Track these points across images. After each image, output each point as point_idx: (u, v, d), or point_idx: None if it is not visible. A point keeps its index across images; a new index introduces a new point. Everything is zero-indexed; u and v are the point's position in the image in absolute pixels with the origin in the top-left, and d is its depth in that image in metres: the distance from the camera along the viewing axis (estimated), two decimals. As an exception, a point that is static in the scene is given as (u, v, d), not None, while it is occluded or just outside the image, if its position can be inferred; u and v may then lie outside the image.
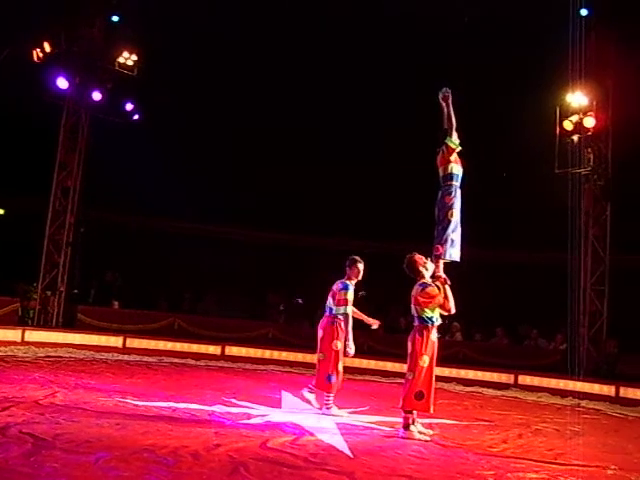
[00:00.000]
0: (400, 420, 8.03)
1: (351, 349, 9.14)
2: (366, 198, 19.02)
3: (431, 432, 8.02)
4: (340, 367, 9.20)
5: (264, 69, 19.38)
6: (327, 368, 9.15)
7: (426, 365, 7.81)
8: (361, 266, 9.45)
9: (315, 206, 19.13)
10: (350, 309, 9.32)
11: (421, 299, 7.88)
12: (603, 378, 14.77)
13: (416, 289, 8.01)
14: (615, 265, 15.87)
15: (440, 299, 7.88)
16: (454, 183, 8.23)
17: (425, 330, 7.88)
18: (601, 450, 8.16)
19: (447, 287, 7.97)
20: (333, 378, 9.11)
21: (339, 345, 9.14)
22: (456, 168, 8.29)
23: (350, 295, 9.33)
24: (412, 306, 8.04)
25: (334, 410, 9.15)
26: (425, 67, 17.52)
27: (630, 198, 15.85)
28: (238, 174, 19.26)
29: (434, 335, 7.96)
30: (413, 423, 7.86)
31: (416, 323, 8.00)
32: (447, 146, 8.27)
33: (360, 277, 9.48)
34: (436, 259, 8.12)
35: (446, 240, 8.05)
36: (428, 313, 7.90)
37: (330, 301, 9.38)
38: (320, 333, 9.33)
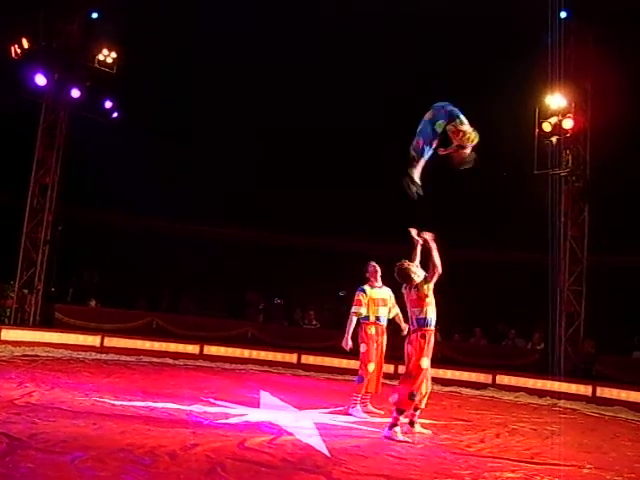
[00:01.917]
0: (379, 420, 8.06)
1: (347, 344, 9.40)
2: (347, 199, 19.06)
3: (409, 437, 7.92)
4: (370, 368, 9.43)
5: (246, 66, 19.26)
6: (358, 370, 9.57)
7: (425, 367, 7.85)
8: (373, 265, 9.72)
9: (294, 205, 19.10)
10: (357, 309, 9.51)
11: (417, 296, 7.95)
12: (580, 378, 14.86)
13: (411, 292, 8.04)
14: (593, 266, 15.99)
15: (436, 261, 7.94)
16: None
17: (427, 333, 7.90)
18: (577, 449, 8.22)
19: (434, 245, 8.02)
20: (361, 379, 9.45)
21: (363, 347, 9.48)
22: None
23: (362, 297, 9.55)
24: (411, 309, 8.05)
25: (357, 411, 9.32)
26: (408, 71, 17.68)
27: (608, 200, 15.98)
28: (217, 173, 19.18)
29: (433, 339, 7.99)
30: (397, 424, 7.86)
31: (415, 326, 8.00)
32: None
33: (379, 277, 9.68)
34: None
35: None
36: (428, 313, 7.93)
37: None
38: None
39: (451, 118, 7.88)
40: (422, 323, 7.93)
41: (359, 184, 18.71)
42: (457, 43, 17.58)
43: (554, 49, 14.57)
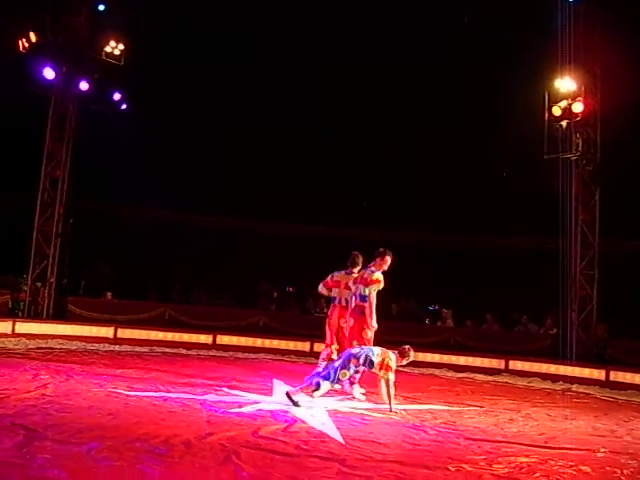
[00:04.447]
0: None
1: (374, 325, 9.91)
2: (356, 187, 19.04)
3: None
4: None
5: (253, 60, 19.23)
6: None
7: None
8: (389, 258, 9.96)
9: (305, 194, 19.10)
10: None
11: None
12: (593, 362, 14.83)
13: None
14: (604, 250, 15.91)
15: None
16: None
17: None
18: (591, 433, 8.23)
19: None
20: None
21: (369, 334, 9.79)
22: None
23: (380, 276, 9.85)
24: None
25: (356, 390, 9.50)
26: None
27: (619, 183, 15.88)
28: (226, 163, 19.20)
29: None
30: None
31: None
32: None
33: (386, 268, 9.93)
34: None
35: None
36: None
37: (360, 287, 9.94)
38: (351, 322, 9.99)
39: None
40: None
41: (371, 172, 18.73)
42: (467, 28, 17.51)
43: (563, 33, 14.48)
